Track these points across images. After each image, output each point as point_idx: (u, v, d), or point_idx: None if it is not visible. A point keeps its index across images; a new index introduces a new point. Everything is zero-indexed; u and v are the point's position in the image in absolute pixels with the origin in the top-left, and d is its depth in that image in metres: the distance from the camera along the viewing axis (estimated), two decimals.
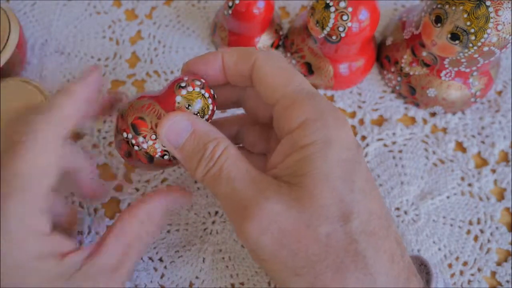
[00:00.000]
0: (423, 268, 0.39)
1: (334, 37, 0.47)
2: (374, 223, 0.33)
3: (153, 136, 0.36)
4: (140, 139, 0.36)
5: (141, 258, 0.46)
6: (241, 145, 0.45)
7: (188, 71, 0.39)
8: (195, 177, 0.36)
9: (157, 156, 0.37)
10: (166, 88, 0.37)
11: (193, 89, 0.36)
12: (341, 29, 0.46)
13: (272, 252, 0.33)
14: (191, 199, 0.39)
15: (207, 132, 0.35)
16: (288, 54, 0.55)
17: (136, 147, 0.36)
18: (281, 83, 0.36)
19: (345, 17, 0.46)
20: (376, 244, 0.33)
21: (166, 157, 0.37)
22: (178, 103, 0.36)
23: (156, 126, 0.36)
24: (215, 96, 0.38)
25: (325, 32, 0.47)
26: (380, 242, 0.33)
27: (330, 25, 0.46)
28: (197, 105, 0.36)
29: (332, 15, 0.46)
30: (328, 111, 0.35)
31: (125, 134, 0.37)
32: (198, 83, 0.37)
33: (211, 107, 0.37)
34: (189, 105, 0.36)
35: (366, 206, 0.33)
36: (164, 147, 0.36)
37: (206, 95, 0.37)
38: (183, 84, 0.36)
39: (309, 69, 0.53)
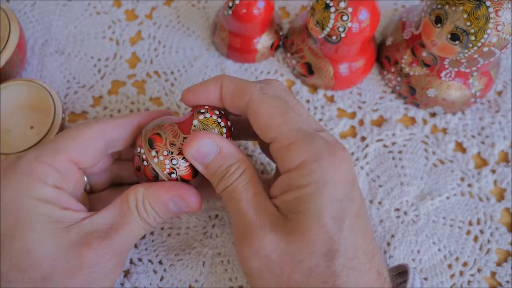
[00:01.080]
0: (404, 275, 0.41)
1: (334, 38, 0.47)
2: (358, 258, 0.35)
3: (165, 152, 0.38)
4: (153, 153, 0.38)
5: (141, 260, 0.47)
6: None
7: (188, 98, 0.41)
8: (216, 189, 0.39)
9: (165, 172, 0.38)
10: (187, 113, 0.40)
11: (211, 116, 0.39)
12: (341, 29, 0.46)
13: (258, 274, 0.36)
14: (199, 207, 0.40)
15: (232, 154, 0.38)
16: (288, 54, 0.55)
17: (145, 162, 0.38)
18: (277, 122, 0.37)
19: (345, 18, 0.46)
20: (357, 277, 0.35)
21: (173, 175, 0.38)
22: (194, 126, 0.38)
23: (170, 144, 0.38)
24: (231, 128, 0.40)
25: (325, 32, 0.47)
26: (361, 275, 0.35)
27: (330, 25, 0.46)
28: (213, 131, 0.38)
29: (332, 16, 0.46)
30: (326, 152, 0.36)
31: (138, 149, 0.39)
32: (217, 112, 0.39)
33: (225, 136, 0.39)
34: (203, 130, 0.38)
35: (353, 243, 0.35)
36: (173, 164, 0.38)
37: (222, 124, 0.39)
38: (202, 111, 0.39)
39: (309, 69, 0.53)
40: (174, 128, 0.38)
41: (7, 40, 0.48)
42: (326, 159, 0.36)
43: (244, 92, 0.38)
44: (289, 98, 0.39)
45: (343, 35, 0.47)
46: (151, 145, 0.38)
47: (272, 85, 0.40)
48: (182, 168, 0.38)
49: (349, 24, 0.46)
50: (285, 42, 0.56)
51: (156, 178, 0.39)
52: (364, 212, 0.37)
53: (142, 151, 0.39)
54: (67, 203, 0.38)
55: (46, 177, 0.37)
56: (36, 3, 0.58)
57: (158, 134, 0.38)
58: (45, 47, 0.56)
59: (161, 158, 0.38)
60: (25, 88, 0.49)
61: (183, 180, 0.39)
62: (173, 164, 0.38)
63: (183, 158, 0.38)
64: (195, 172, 0.39)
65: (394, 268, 0.42)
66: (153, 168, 0.38)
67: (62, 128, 0.48)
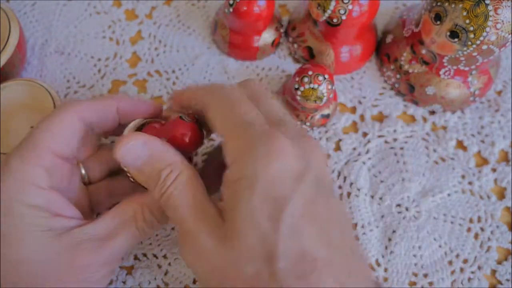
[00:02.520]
0: None
1: (335, 20, 0.47)
2: (307, 265, 0.31)
3: None
4: None
5: (145, 256, 0.47)
6: None
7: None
8: (155, 197, 0.36)
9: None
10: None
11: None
12: (342, 11, 0.46)
13: (203, 279, 0.34)
14: None
15: (163, 156, 0.36)
16: (290, 39, 0.55)
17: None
18: (220, 118, 0.36)
19: (346, 0, 0.46)
20: (311, 284, 0.31)
21: (131, 179, 0.38)
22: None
23: None
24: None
25: (326, 15, 0.47)
26: (312, 284, 0.31)
27: (331, 8, 0.46)
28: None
29: None
30: (262, 143, 0.33)
31: None
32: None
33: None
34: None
35: (297, 246, 0.31)
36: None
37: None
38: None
39: (310, 53, 0.53)
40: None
41: (7, 40, 0.48)
42: (260, 150, 0.32)
43: (201, 99, 0.38)
44: (232, 92, 0.37)
45: (344, 17, 0.47)
46: None
47: (220, 85, 0.38)
48: None
49: (350, 7, 0.46)
50: (287, 28, 0.56)
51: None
52: (319, 213, 0.33)
53: None
54: (59, 208, 0.37)
55: (38, 180, 0.36)
56: (36, 3, 0.58)
57: None
58: (45, 47, 0.56)
59: None
60: (25, 88, 0.48)
61: None
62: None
63: None
64: None
65: None
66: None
67: None
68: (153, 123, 0.40)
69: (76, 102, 0.39)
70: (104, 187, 0.44)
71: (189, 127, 0.38)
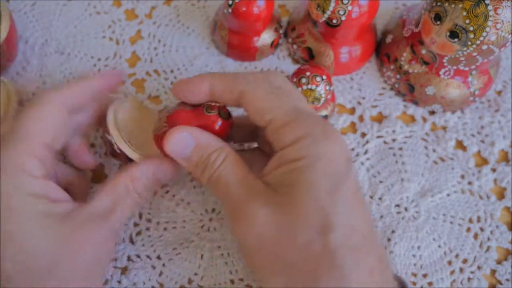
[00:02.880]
0: None
1: (334, 21, 0.47)
2: (357, 239, 0.34)
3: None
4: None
5: (139, 257, 0.47)
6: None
7: (177, 93, 0.41)
8: (201, 182, 0.39)
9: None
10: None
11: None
12: (341, 12, 0.46)
13: (254, 251, 0.36)
14: (178, 175, 0.43)
15: (209, 143, 0.38)
16: (289, 40, 0.55)
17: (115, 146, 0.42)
18: (270, 106, 0.37)
19: (345, 1, 0.46)
20: (356, 258, 0.34)
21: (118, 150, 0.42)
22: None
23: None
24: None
25: (326, 16, 0.47)
26: (360, 257, 0.34)
27: (331, 8, 0.46)
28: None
29: None
30: (319, 127, 0.36)
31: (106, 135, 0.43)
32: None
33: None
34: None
35: (349, 221, 0.34)
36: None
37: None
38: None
39: (310, 54, 0.53)
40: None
41: None
42: (321, 135, 0.36)
43: (234, 87, 0.39)
44: (279, 81, 0.39)
45: (343, 18, 0.47)
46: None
47: (262, 73, 0.40)
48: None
49: (349, 8, 0.46)
50: (286, 28, 0.56)
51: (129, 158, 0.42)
52: (362, 194, 0.38)
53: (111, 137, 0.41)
54: (55, 194, 0.39)
55: (33, 170, 0.37)
56: (36, 3, 0.58)
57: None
58: (45, 47, 0.56)
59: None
60: None
61: None
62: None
63: None
64: None
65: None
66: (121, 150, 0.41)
67: None
68: (180, 110, 0.41)
69: (59, 91, 0.41)
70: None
71: (227, 123, 0.40)
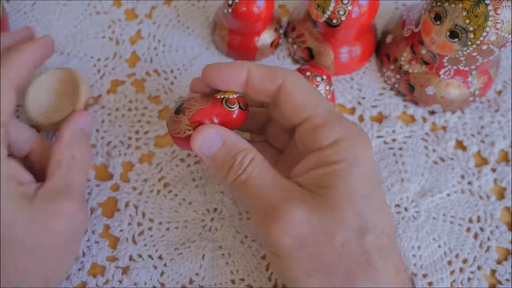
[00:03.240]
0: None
1: (334, 21, 0.47)
2: (385, 238, 0.36)
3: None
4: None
5: (140, 256, 0.47)
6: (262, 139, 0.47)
7: (211, 78, 0.40)
8: (225, 182, 0.39)
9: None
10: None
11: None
12: (341, 12, 0.46)
13: (290, 252, 0.36)
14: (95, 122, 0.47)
15: (236, 143, 0.38)
16: (290, 40, 0.55)
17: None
18: (311, 104, 0.38)
19: (345, 1, 0.46)
20: (385, 257, 0.36)
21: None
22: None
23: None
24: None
25: (326, 16, 0.47)
26: (389, 256, 0.36)
27: (330, 8, 0.46)
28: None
29: None
30: (357, 133, 0.38)
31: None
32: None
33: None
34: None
35: (380, 223, 0.36)
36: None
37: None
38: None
39: (310, 54, 0.53)
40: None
41: None
42: (358, 139, 0.37)
43: (276, 75, 0.39)
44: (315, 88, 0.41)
45: (343, 18, 0.47)
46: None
47: (298, 72, 0.41)
48: None
49: (349, 8, 0.46)
50: (286, 28, 0.56)
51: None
52: (385, 197, 0.39)
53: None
54: (20, 175, 0.40)
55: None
56: (36, 3, 0.58)
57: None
58: None
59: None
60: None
61: None
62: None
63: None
64: None
65: None
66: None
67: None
68: (201, 109, 0.40)
69: (7, 69, 0.41)
70: None
71: (244, 113, 0.40)
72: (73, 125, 0.44)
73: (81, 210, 0.41)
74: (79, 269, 0.46)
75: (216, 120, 0.39)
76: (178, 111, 0.40)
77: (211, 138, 0.38)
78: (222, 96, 0.39)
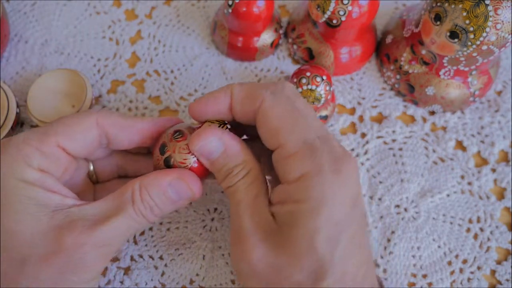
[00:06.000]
0: None
1: (334, 21, 0.47)
2: (346, 283, 0.34)
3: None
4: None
5: (141, 257, 0.47)
6: None
7: (197, 110, 0.39)
8: (220, 185, 0.38)
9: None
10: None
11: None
12: (341, 13, 0.46)
13: (246, 278, 0.36)
14: (200, 191, 0.39)
15: (237, 154, 0.37)
16: (290, 40, 0.55)
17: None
18: (286, 129, 0.35)
19: (345, 1, 0.46)
20: None
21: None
22: None
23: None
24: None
25: (326, 16, 0.47)
26: None
27: (331, 9, 0.47)
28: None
29: None
30: (329, 167, 0.34)
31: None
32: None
33: None
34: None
35: (342, 266, 0.34)
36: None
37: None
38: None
39: (310, 54, 0.53)
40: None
41: None
42: (329, 176, 0.34)
43: (255, 96, 0.37)
44: (298, 101, 0.37)
45: (343, 18, 0.47)
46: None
47: (284, 88, 0.38)
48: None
49: (349, 8, 0.46)
50: (286, 28, 0.56)
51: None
52: (363, 230, 0.36)
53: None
54: (55, 187, 0.37)
55: (30, 160, 0.36)
56: (36, 3, 0.58)
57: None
58: (45, 47, 0.56)
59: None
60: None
61: None
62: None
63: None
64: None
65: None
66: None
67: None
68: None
69: (104, 111, 0.40)
70: (110, 187, 0.44)
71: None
72: (171, 179, 0.38)
73: (96, 251, 0.36)
74: None
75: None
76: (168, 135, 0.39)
77: (213, 144, 0.37)
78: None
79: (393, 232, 0.48)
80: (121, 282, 0.46)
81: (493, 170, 0.51)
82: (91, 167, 0.44)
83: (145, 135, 0.40)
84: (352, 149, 0.51)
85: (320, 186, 0.34)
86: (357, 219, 0.35)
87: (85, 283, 0.37)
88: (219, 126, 0.38)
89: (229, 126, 0.39)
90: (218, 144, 0.37)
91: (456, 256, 0.47)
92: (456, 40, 0.45)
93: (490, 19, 0.42)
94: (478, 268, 0.47)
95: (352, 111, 0.54)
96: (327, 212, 0.33)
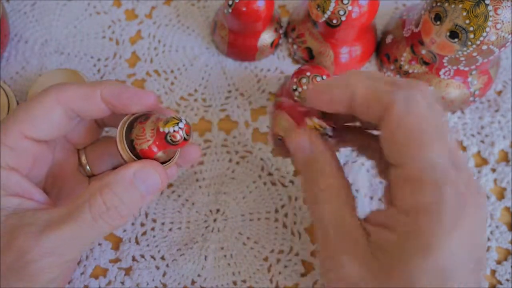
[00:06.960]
0: None
1: (334, 21, 0.47)
2: None
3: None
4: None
5: (143, 257, 0.47)
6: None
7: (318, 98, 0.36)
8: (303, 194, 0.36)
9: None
10: None
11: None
12: (341, 12, 0.46)
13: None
14: (166, 177, 0.37)
15: (322, 163, 0.35)
16: (290, 40, 0.55)
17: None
18: (414, 146, 0.30)
19: (345, 1, 0.46)
20: None
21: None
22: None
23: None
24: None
25: (326, 16, 0.47)
26: None
27: (331, 8, 0.46)
28: None
29: None
30: (449, 211, 0.29)
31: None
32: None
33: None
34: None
35: None
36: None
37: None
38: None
39: (310, 54, 0.53)
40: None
41: None
42: (450, 212, 0.29)
43: (382, 97, 0.32)
44: (436, 113, 0.32)
45: (343, 18, 0.47)
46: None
47: (420, 93, 0.32)
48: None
49: (349, 8, 0.46)
50: (286, 28, 0.56)
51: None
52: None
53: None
54: (18, 187, 0.35)
55: None
56: (36, 3, 0.58)
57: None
58: (45, 47, 0.56)
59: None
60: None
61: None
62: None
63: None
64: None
65: None
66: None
67: None
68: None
69: (60, 86, 0.37)
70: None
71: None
72: (134, 168, 0.35)
73: (48, 258, 0.33)
74: (81, 273, 0.46)
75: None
76: None
77: (303, 143, 0.35)
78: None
79: None
80: (122, 283, 0.46)
81: (493, 170, 0.51)
82: (84, 159, 0.42)
83: (112, 101, 0.37)
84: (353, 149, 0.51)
85: (429, 228, 0.29)
86: (467, 277, 0.30)
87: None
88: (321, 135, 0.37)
89: (330, 134, 0.37)
90: (307, 144, 0.35)
91: None
92: (456, 40, 0.45)
93: (490, 19, 0.42)
94: None
95: None
96: (435, 259, 0.29)
